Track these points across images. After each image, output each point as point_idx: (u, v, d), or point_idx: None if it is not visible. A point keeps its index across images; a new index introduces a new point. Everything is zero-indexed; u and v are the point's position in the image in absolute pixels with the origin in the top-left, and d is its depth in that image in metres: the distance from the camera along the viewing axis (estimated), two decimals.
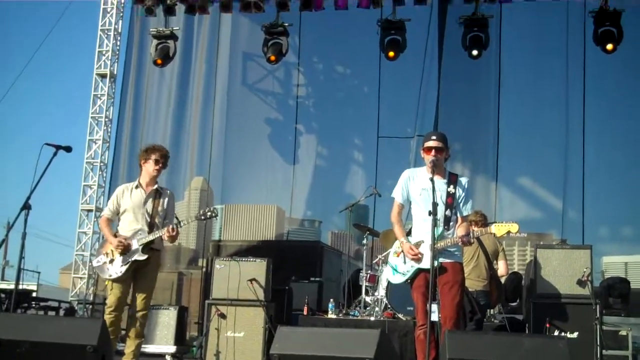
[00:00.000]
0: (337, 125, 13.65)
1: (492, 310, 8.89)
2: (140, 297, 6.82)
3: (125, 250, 6.76)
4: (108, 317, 6.65)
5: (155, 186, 7.01)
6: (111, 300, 6.77)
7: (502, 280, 8.74)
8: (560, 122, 11.97)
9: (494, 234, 6.10)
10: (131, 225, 6.88)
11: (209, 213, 6.90)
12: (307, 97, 13.85)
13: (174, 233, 6.72)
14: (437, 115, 12.02)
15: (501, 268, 8.50)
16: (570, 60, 11.89)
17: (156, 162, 6.99)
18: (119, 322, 6.84)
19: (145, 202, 6.92)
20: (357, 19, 12.18)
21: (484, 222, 8.11)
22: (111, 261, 6.81)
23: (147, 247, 6.82)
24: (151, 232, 6.81)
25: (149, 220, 6.88)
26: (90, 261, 12.62)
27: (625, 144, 12.05)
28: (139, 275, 6.87)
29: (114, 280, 6.80)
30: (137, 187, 7.00)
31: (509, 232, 6.01)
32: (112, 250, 6.84)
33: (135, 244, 6.78)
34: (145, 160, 7.03)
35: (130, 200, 6.93)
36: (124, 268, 6.75)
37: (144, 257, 6.78)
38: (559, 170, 11.85)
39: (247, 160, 13.56)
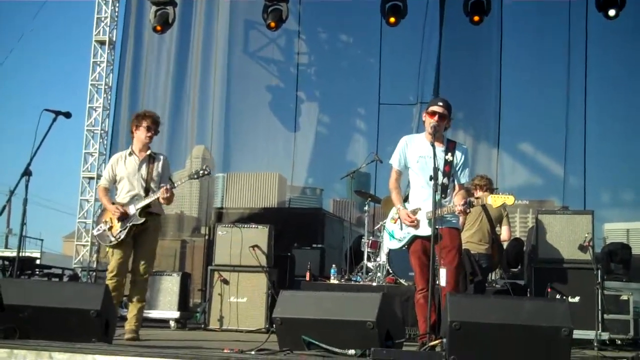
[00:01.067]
0: (338, 92, 13.56)
1: (493, 275, 8.94)
2: (141, 262, 6.91)
3: (123, 216, 6.82)
4: (110, 282, 6.69)
5: (149, 152, 7.07)
6: (112, 265, 6.83)
7: (505, 245, 8.79)
8: (561, 89, 11.91)
9: (490, 204, 6.10)
10: (128, 191, 6.95)
11: (201, 171, 6.98)
12: (309, 65, 13.75)
13: (169, 194, 6.80)
14: (438, 82, 11.97)
15: (504, 233, 8.54)
16: (573, 27, 11.80)
17: (148, 129, 7.02)
18: (121, 288, 6.90)
19: (139, 168, 6.98)
20: None
21: (489, 186, 8.14)
22: (110, 228, 6.88)
23: (145, 211, 6.88)
24: (147, 196, 6.88)
25: (144, 185, 6.95)
26: (93, 228, 12.67)
27: (628, 110, 11.99)
28: (139, 240, 6.94)
29: (114, 246, 6.87)
30: (130, 154, 7.05)
31: (504, 204, 6.00)
32: (111, 218, 6.91)
33: (132, 209, 6.85)
34: (136, 127, 7.07)
35: (124, 168, 7.00)
36: (123, 233, 6.82)
37: (141, 220, 6.85)
38: (560, 137, 11.80)
39: (248, 129, 13.50)
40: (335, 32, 13.66)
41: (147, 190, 6.93)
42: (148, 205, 6.88)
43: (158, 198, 6.84)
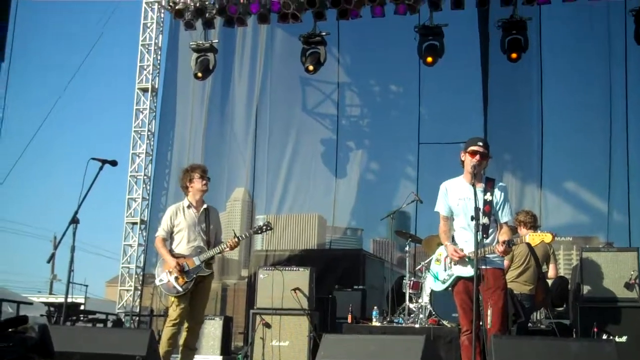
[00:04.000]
0: (385, 139, 13.67)
1: (538, 315, 8.80)
2: (199, 309, 7.28)
3: (184, 269, 7.12)
4: (170, 330, 7.00)
5: (205, 205, 7.42)
6: (176, 313, 7.07)
7: (550, 283, 8.69)
8: (603, 124, 11.79)
9: (529, 243, 6.07)
10: (188, 243, 7.27)
11: (264, 227, 7.45)
12: (361, 117, 13.96)
13: (236, 244, 7.26)
14: (486, 122, 11.94)
15: (551, 271, 8.48)
16: (612, 62, 11.74)
17: (202, 177, 7.39)
18: (179, 335, 7.14)
19: (199, 222, 7.32)
20: (394, 27, 12.21)
21: (533, 223, 8.10)
22: (176, 279, 7.14)
23: (207, 263, 7.24)
24: (208, 248, 7.24)
25: (205, 238, 7.30)
26: (137, 273, 12.82)
27: None
28: (198, 289, 7.23)
29: (180, 296, 7.12)
30: (188, 207, 7.38)
31: (542, 241, 5.98)
32: (175, 269, 7.16)
33: (197, 261, 7.17)
34: (190, 180, 7.42)
35: (184, 220, 7.32)
36: (190, 284, 7.14)
37: (209, 272, 7.24)
38: (604, 174, 11.66)
39: (289, 172, 13.63)
40: (385, 82, 13.79)
41: (208, 243, 7.28)
42: (212, 257, 7.23)
43: (225, 249, 7.22)
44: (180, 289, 7.10)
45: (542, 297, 8.25)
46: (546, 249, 8.35)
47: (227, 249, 7.22)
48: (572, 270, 9.71)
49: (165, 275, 7.19)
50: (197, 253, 7.19)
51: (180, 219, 7.32)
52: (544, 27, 11.92)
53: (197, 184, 7.37)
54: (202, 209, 7.37)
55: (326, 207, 13.68)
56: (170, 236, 7.37)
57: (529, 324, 8.46)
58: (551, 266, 8.53)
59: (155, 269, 7.55)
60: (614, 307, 7.68)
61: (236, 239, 7.18)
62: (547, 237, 5.92)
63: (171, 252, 7.27)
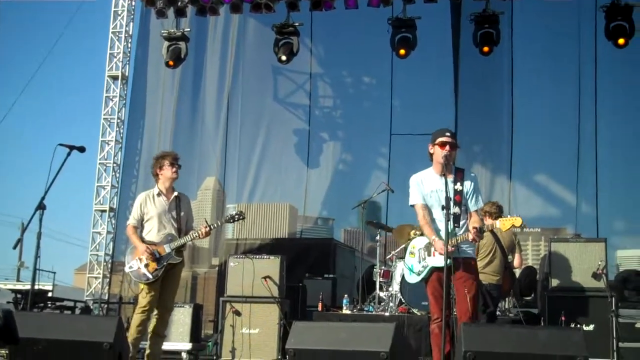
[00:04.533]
0: (357, 130, 13.67)
1: (506, 304, 8.88)
2: (169, 297, 7.25)
3: (155, 256, 7.08)
4: (139, 317, 6.98)
5: (175, 193, 7.36)
6: (145, 301, 7.04)
7: (517, 273, 8.76)
8: (572, 118, 11.90)
9: (499, 228, 6.11)
10: (159, 231, 7.23)
11: (237, 216, 7.36)
12: (334, 108, 13.95)
13: (208, 233, 7.24)
14: (457, 115, 11.99)
15: (516, 261, 8.55)
16: (582, 57, 11.85)
17: (172, 165, 7.33)
18: (148, 322, 7.11)
19: (169, 209, 7.27)
20: (367, 18, 12.20)
21: (499, 213, 8.13)
22: (147, 266, 7.09)
23: (178, 250, 7.18)
24: (179, 236, 7.20)
25: (176, 225, 7.25)
26: (105, 261, 12.70)
27: (639, 137, 11.98)
28: (168, 277, 7.19)
29: (150, 283, 7.09)
30: (158, 194, 7.32)
31: (513, 226, 6.01)
32: (145, 257, 7.12)
33: (167, 248, 7.13)
34: (160, 168, 7.36)
35: (154, 208, 7.27)
36: (160, 271, 7.10)
37: (179, 259, 7.20)
38: (573, 166, 11.79)
39: (261, 162, 13.58)
40: (357, 74, 13.77)
41: (179, 230, 7.23)
42: (182, 245, 7.18)
43: (196, 237, 7.19)
44: (150, 276, 7.06)
45: (508, 286, 8.34)
46: (512, 238, 8.42)
47: (199, 237, 7.18)
48: (540, 260, 9.84)
49: (136, 263, 7.14)
50: (168, 240, 7.14)
51: (150, 207, 7.27)
52: (515, 21, 12.01)
53: (167, 171, 7.31)
54: (172, 197, 7.30)
55: (297, 197, 13.68)
56: (140, 224, 7.31)
57: (498, 313, 8.54)
58: (516, 256, 8.60)
59: (125, 256, 7.49)
60: (581, 297, 7.79)
61: (208, 228, 7.15)
62: (517, 221, 5.97)
63: (142, 240, 7.21)
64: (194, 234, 7.16)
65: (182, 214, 7.30)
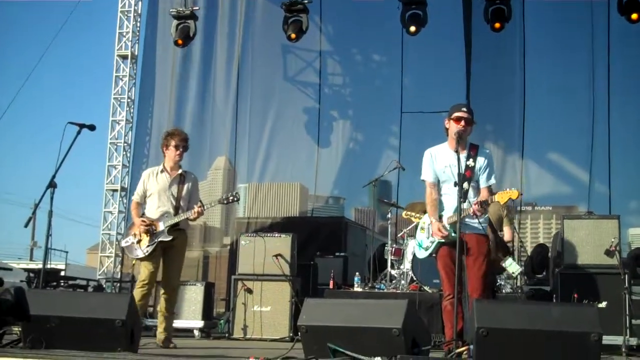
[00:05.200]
0: (368, 109, 13.60)
1: (518, 282, 8.85)
2: (171, 276, 7.22)
3: (150, 230, 7.05)
4: (140, 291, 6.95)
5: (180, 170, 7.32)
6: (144, 274, 7.05)
7: (510, 245, 8.75)
8: (585, 95, 11.80)
9: (497, 202, 6.07)
10: (158, 207, 7.20)
11: (231, 197, 7.30)
12: (344, 86, 13.86)
13: (201, 215, 7.16)
14: (468, 92, 11.89)
15: (506, 234, 8.49)
16: (595, 30, 11.71)
17: (176, 147, 7.28)
18: (149, 297, 7.22)
19: (170, 186, 7.23)
20: None
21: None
22: (139, 242, 7.11)
23: (173, 228, 7.14)
24: (177, 214, 7.16)
25: (174, 203, 7.22)
26: (117, 240, 12.75)
27: None
28: (168, 255, 7.19)
29: (142, 259, 7.10)
30: (162, 171, 7.31)
31: (510, 198, 5.98)
32: (139, 232, 7.13)
33: (161, 225, 7.10)
34: (166, 147, 7.34)
35: (156, 184, 7.26)
36: (151, 248, 7.07)
37: (169, 238, 7.10)
38: (586, 144, 11.71)
39: (271, 140, 13.52)
40: (367, 52, 13.68)
41: (177, 209, 7.19)
42: (177, 223, 7.13)
43: (189, 216, 7.10)
44: (140, 252, 7.08)
45: (502, 261, 8.27)
46: (499, 213, 8.41)
47: (192, 216, 7.10)
48: (552, 238, 9.77)
49: (130, 238, 7.18)
50: (163, 218, 7.12)
51: (152, 183, 7.27)
52: None
53: (170, 152, 7.30)
54: (176, 174, 7.28)
55: (308, 176, 13.62)
56: (144, 200, 7.32)
57: (509, 291, 8.53)
58: (506, 229, 8.56)
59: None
60: (594, 274, 7.73)
61: (202, 207, 7.08)
62: (514, 194, 5.94)
63: (143, 216, 7.23)
64: (187, 214, 7.10)
65: (184, 192, 7.25)
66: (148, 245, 7.05)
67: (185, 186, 7.28)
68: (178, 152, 7.26)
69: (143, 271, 7.07)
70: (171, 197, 7.20)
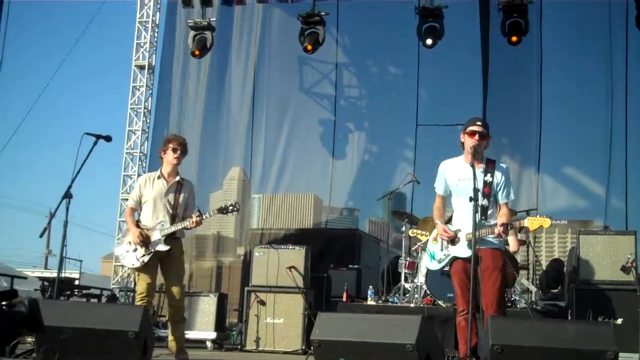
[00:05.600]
0: (384, 121, 13.60)
1: (533, 297, 8.78)
2: (174, 286, 6.96)
3: (145, 241, 6.87)
4: (140, 304, 6.75)
5: (177, 178, 7.14)
6: (142, 287, 6.90)
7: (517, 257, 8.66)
8: (603, 110, 11.74)
9: (527, 227, 6.01)
10: (153, 215, 7.01)
11: (230, 207, 7.07)
12: (360, 98, 13.86)
13: (199, 222, 6.91)
14: (485, 105, 11.84)
15: (512, 244, 8.34)
16: (613, 47, 11.67)
17: (174, 150, 7.10)
18: (151, 307, 7.05)
19: (166, 193, 7.05)
20: (393, 8, 12.12)
21: None
22: (134, 250, 6.92)
23: (169, 237, 6.95)
24: (173, 222, 6.97)
25: (171, 211, 7.02)
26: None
27: None
28: (165, 264, 7.00)
29: (139, 270, 6.95)
30: (159, 177, 7.12)
31: (541, 226, 5.92)
32: (135, 241, 6.92)
33: (157, 235, 6.91)
34: (164, 152, 7.16)
35: (152, 190, 7.06)
36: (147, 258, 6.88)
37: (166, 248, 6.91)
38: (602, 158, 11.64)
39: (286, 151, 13.54)
40: (383, 64, 13.69)
41: (174, 217, 7.01)
42: (173, 232, 6.96)
43: (187, 226, 6.93)
44: (135, 262, 6.89)
45: (511, 273, 8.19)
46: None
47: (190, 226, 6.92)
48: (568, 253, 9.69)
49: (125, 246, 6.98)
50: (159, 227, 6.93)
51: (148, 189, 7.06)
52: (545, 10, 11.83)
53: (168, 155, 7.09)
54: (173, 182, 7.09)
55: (323, 188, 13.62)
56: (139, 206, 7.13)
57: (524, 306, 8.45)
58: (511, 239, 8.37)
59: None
60: (610, 290, 7.67)
61: (200, 217, 6.88)
62: (546, 222, 5.85)
63: (138, 223, 7.03)
64: (185, 223, 6.90)
65: (180, 200, 7.06)
66: (144, 255, 6.87)
67: (182, 194, 7.09)
68: (176, 155, 7.07)
69: (140, 284, 6.93)
70: (167, 205, 7.01)
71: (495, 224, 5.86)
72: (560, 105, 12.28)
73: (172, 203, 7.04)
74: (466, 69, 12.52)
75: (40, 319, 5.13)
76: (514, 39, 10.94)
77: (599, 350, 4.57)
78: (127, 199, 12.97)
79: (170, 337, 7.05)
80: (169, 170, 7.12)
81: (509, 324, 4.99)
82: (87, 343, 5.27)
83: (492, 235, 5.88)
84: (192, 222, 6.86)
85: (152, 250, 6.88)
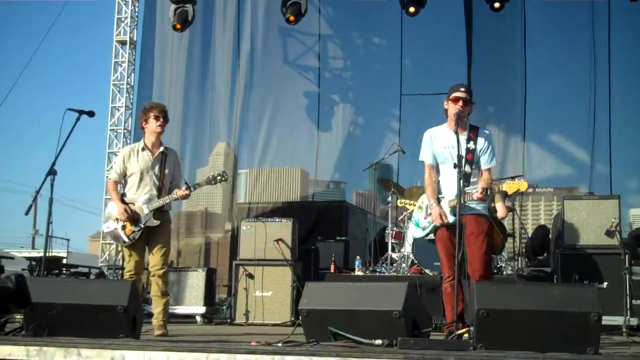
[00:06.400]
0: (362, 87, 13.56)
1: (519, 264, 8.85)
2: (157, 257, 6.78)
3: (133, 216, 6.72)
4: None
5: (162, 148, 6.96)
6: (131, 264, 6.78)
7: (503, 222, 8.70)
8: (586, 77, 11.78)
9: (505, 191, 6.05)
10: (139, 188, 6.84)
11: (218, 177, 6.94)
12: (344, 70, 13.81)
13: (187, 195, 6.81)
14: (470, 75, 11.82)
15: (500, 210, 8.36)
16: (596, 13, 11.68)
17: (156, 118, 6.91)
18: (139, 284, 6.87)
19: (153, 166, 6.88)
20: None
21: None
22: (123, 227, 6.77)
23: (158, 211, 6.81)
24: (160, 195, 6.81)
25: (157, 183, 6.86)
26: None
27: None
28: (152, 236, 6.82)
29: (129, 247, 6.81)
30: (143, 149, 6.92)
31: (518, 190, 5.96)
32: (123, 218, 6.77)
33: (145, 209, 6.75)
34: (145, 121, 6.96)
35: (137, 163, 6.87)
36: (138, 234, 6.75)
37: (157, 223, 6.77)
38: (587, 125, 11.70)
39: (272, 126, 13.48)
40: (367, 34, 13.60)
41: (160, 189, 6.85)
42: (161, 206, 6.82)
43: (175, 198, 6.82)
44: (126, 239, 6.75)
45: (499, 239, 8.24)
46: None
47: (178, 198, 6.80)
48: (553, 219, 9.76)
49: (113, 223, 6.80)
50: (147, 201, 6.75)
51: (133, 162, 6.86)
52: None
53: (151, 124, 6.88)
54: (158, 152, 6.90)
55: (309, 161, 13.61)
56: (124, 179, 6.92)
57: (510, 272, 8.53)
58: (499, 205, 8.33)
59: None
60: (595, 254, 7.73)
61: (187, 189, 6.75)
62: (523, 185, 5.92)
63: (123, 196, 6.86)
64: (172, 196, 6.75)
65: (166, 171, 6.90)
66: (133, 232, 6.71)
67: (168, 165, 6.93)
68: (159, 123, 6.87)
69: (130, 261, 6.77)
70: (154, 178, 6.83)
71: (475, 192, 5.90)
72: (544, 73, 12.29)
73: (158, 175, 6.87)
74: (450, 38, 12.49)
75: (28, 295, 5.12)
76: (497, 5, 10.94)
77: (583, 312, 4.61)
78: None
79: (156, 312, 6.82)
80: (152, 140, 6.94)
81: (495, 288, 5.02)
82: (76, 318, 5.27)
83: (475, 202, 5.92)
84: (180, 194, 6.75)
85: (142, 226, 6.73)
